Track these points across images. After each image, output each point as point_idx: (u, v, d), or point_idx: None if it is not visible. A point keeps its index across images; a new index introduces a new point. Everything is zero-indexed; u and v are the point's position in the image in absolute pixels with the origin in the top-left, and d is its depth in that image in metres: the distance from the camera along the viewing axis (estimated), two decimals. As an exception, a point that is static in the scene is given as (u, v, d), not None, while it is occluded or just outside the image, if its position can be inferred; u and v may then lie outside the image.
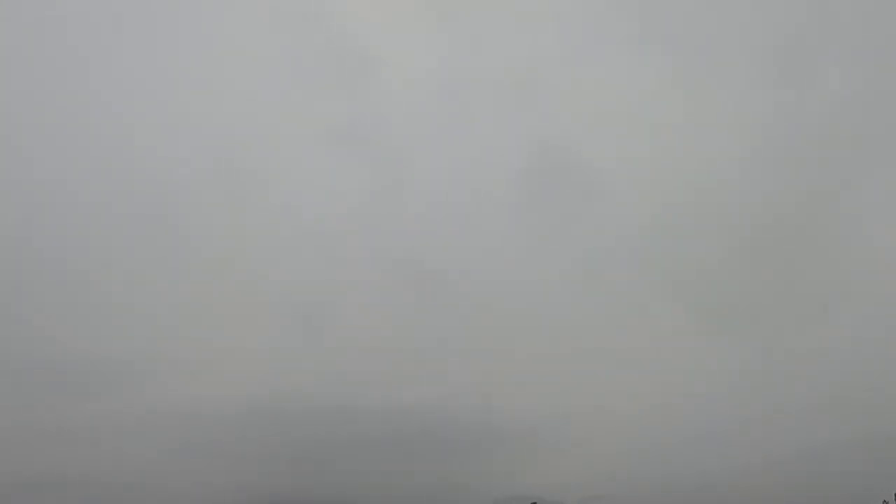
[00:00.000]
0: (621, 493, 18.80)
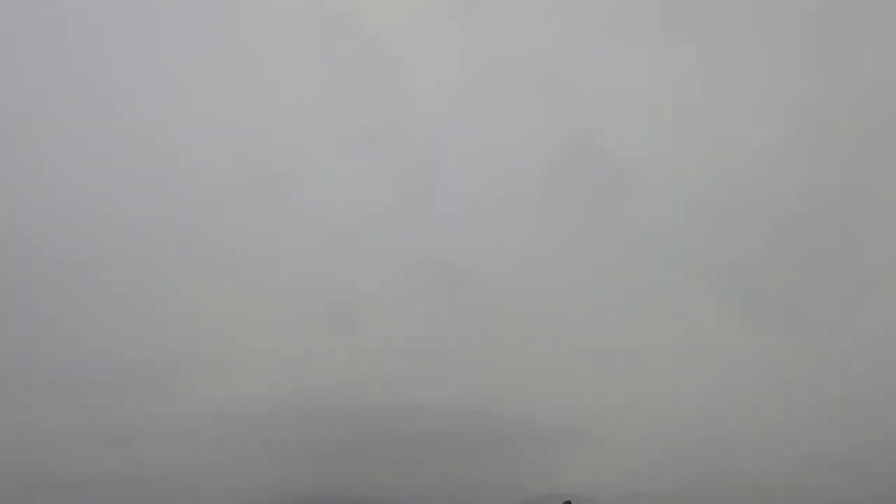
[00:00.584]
0: (655, 491, 18.34)
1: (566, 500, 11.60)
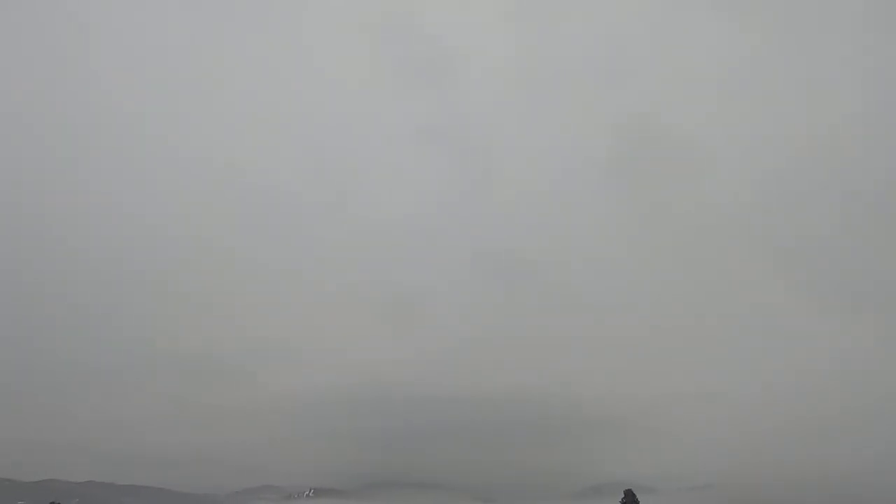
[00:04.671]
0: (723, 482, 17.56)
1: (627, 488, 11.51)
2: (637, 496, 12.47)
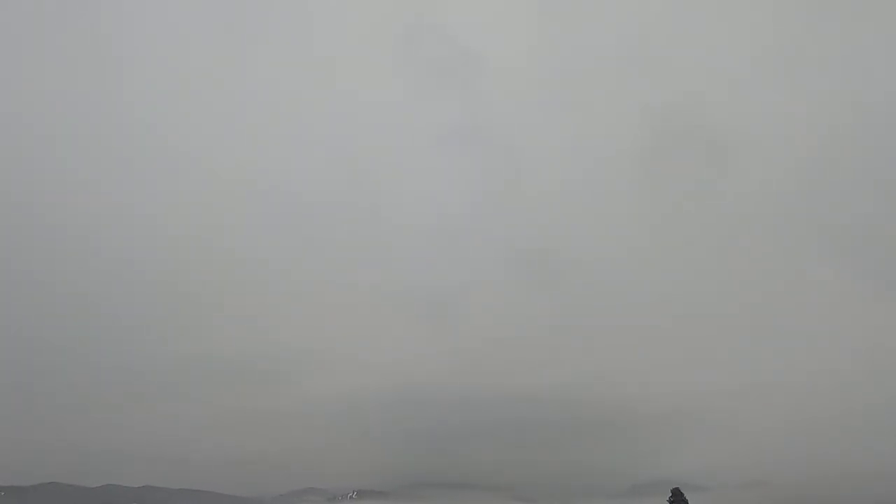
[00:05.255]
0: (777, 480, 16.93)
1: (675, 487, 11.33)
2: (685, 494, 12.24)
